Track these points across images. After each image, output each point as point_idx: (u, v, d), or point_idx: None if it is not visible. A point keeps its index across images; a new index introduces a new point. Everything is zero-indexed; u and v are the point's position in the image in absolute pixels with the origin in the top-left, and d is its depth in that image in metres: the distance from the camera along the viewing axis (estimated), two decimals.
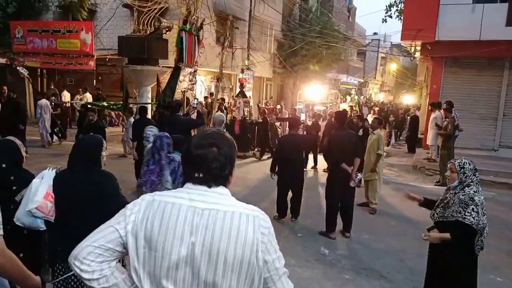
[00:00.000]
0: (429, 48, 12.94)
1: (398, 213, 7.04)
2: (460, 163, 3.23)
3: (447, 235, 3.12)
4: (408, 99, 30.76)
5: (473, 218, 3.04)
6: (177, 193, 1.39)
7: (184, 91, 14.57)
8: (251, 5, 18.97)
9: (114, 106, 12.39)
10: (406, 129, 16.31)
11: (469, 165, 3.23)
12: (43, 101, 11.79)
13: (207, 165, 1.38)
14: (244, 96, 13.23)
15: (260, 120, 13.02)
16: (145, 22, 13.56)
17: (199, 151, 1.38)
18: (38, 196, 2.59)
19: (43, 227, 2.66)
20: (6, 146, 2.94)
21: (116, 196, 2.61)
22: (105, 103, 13.03)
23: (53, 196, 2.61)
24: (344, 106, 18.16)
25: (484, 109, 12.72)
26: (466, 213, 3.05)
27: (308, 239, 5.63)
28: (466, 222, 3.04)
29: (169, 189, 3.48)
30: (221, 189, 1.40)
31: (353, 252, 5.28)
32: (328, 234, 5.72)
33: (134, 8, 14.09)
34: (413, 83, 33.40)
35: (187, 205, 1.34)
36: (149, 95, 13.77)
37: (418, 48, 14.19)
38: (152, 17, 13.60)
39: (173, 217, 1.32)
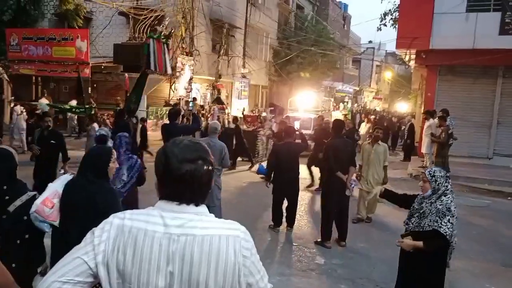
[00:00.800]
0: (424, 56, 13.05)
1: (393, 221, 7.01)
2: (430, 172, 3.28)
3: (420, 243, 3.16)
4: (402, 107, 30.87)
5: (448, 228, 3.08)
6: (149, 217, 1.25)
7: (180, 99, 14.62)
8: (246, 13, 19.09)
9: (77, 110, 12.07)
10: (405, 136, 16.36)
11: (440, 172, 3.27)
12: (17, 107, 11.80)
13: (197, 181, 1.26)
14: (221, 102, 13.08)
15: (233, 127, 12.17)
16: (141, 30, 13.61)
17: (188, 167, 1.25)
18: (38, 200, 2.63)
19: (46, 230, 2.68)
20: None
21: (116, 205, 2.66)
22: (67, 106, 12.63)
23: (52, 201, 2.63)
24: (337, 114, 18.09)
25: (479, 117, 12.79)
26: (442, 223, 3.10)
27: (303, 248, 5.59)
28: (441, 232, 3.08)
29: (124, 181, 3.85)
30: (199, 208, 1.29)
31: (349, 261, 5.24)
32: (324, 243, 5.68)
33: (130, 16, 14.16)
34: (408, 91, 33.63)
35: (162, 231, 1.22)
36: (145, 103, 13.76)
37: (413, 56, 14.29)
38: (147, 25, 13.65)
39: (147, 247, 1.20)
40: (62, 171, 2.74)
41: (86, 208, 2.57)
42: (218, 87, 14.85)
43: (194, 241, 1.22)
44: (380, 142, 6.78)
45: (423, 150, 11.74)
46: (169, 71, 10.05)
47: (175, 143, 1.31)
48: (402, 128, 16.30)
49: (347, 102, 29.77)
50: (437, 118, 10.72)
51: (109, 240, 1.23)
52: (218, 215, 5.44)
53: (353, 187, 5.71)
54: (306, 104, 17.26)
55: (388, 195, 3.90)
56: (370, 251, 5.60)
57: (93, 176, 2.69)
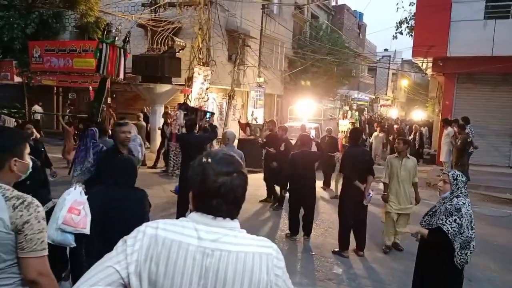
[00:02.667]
0: (441, 64, 12.94)
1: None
2: (454, 175, 3.33)
3: (425, 230, 3.32)
4: (417, 115, 30.32)
5: (451, 227, 3.13)
6: (183, 228, 1.24)
7: (197, 108, 14.78)
8: (262, 24, 19.26)
9: (15, 115, 12.08)
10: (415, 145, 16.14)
11: (462, 177, 3.35)
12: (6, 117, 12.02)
13: (233, 194, 1.26)
14: (188, 107, 12.96)
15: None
16: (159, 42, 13.88)
17: (225, 179, 1.26)
18: (63, 211, 2.64)
19: (73, 244, 2.68)
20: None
21: (147, 213, 2.98)
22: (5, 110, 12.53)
23: (78, 208, 2.68)
24: (345, 122, 17.66)
25: (498, 125, 12.58)
26: (447, 222, 3.16)
27: (321, 258, 5.58)
28: (444, 229, 3.14)
29: (90, 163, 4.53)
30: (233, 223, 1.29)
31: (367, 272, 5.20)
32: (341, 253, 5.65)
33: (148, 28, 14.44)
34: (425, 99, 33.21)
35: (196, 245, 1.21)
36: (161, 113, 13.94)
37: (430, 64, 14.18)
38: (165, 36, 13.91)
39: (180, 259, 1.20)
40: (76, 186, 2.79)
41: (134, 213, 2.82)
42: (184, 92, 14.36)
43: (228, 257, 1.21)
44: (409, 155, 5.90)
45: (442, 158, 11.58)
46: (121, 76, 10.24)
47: (212, 155, 1.31)
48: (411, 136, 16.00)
49: (355, 110, 29.34)
50: (455, 126, 10.59)
51: (142, 250, 1.21)
52: None
53: (370, 196, 5.68)
54: (308, 112, 16.47)
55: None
56: (389, 262, 5.54)
57: (128, 184, 2.97)
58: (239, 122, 14.89)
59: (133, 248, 1.22)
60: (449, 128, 11.07)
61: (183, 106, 12.76)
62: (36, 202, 1.72)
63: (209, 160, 1.30)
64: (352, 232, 5.75)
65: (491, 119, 12.58)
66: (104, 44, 9.58)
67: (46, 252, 1.69)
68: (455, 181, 3.27)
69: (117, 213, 2.81)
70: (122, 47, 10.03)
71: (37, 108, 16.46)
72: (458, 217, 3.13)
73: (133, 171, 3.04)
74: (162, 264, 1.20)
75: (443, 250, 3.20)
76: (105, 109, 11.76)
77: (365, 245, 5.76)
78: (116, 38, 9.73)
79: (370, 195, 5.66)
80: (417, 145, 14.94)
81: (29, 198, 1.71)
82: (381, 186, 6.86)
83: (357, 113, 26.57)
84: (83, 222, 2.66)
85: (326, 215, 7.65)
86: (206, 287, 1.20)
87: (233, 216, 1.29)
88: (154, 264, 1.20)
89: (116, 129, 4.10)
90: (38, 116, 14.70)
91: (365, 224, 5.79)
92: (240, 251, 1.23)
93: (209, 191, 1.26)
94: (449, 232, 3.11)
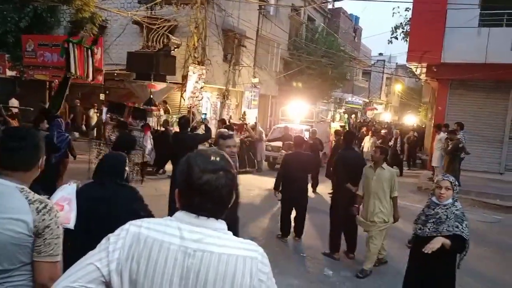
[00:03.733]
0: (435, 70, 13.03)
1: (403, 235, 6.95)
2: (453, 181, 3.36)
3: (447, 241, 3.12)
4: (409, 120, 30.36)
5: (467, 233, 3.19)
6: (167, 227, 1.22)
7: (190, 107, 14.74)
8: (258, 24, 19.28)
9: None
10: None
11: (455, 181, 3.41)
12: None
13: (218, 192, 1.23)
14: (152, 104, 12.91)
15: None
16: (154, 39, 13.81)
17: (209, 177, 1.23)
18: None
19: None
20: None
21: (144, 209, 2.86)
22: None
23: (61, 204, 2.67)
24: (336, 125, 17.62)
25: (490, 132, 12.70)
26: (463, 228, 3.19)
27: (311, 260, 5.57)
28: (464, 236, 3.17)
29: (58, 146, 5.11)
30: (218, 223, 1.26)
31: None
32: (332, 255, 5.66)
33: (144, 25, 14.38)
34: (418, 104, 33.46)
35: (178, 244, 1.19)
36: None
37: (424, 69, 14.28)
38: (161, 34, 13.84)
39: (161, 259, 1.18)
40: (71, 182, 2.83)
41: (121, 210, 2.73)
42: (150, 87, 14.29)
43: (210, 258, 1.18)
44: (385, 165, 5.20)
45: (434, 163, 11.67)
46: (90, 76, 10.25)
47: (199, 153, 1.29)
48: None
49: (343, 113, 29.27)
50: (447, 132, 10.67)
51: (124, 248, 1.20)
52: (236, 228, 5.49)
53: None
54: (300, 114, 16.41)
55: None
56: (380, 264, 5.54)
57: (114, 180, 2.86)
58: (229, 122, 14.70)
59: (115, 246, 1.21)
60: (442, 133, 11.16)
61: (107, 103, 12.70)
62: (56, 207, 1.74)
63: (196, 157, 1.28)
64: (343, 234, 5.75)
65: (483, 125, 12.69)
66: (70, 44, 9.58)
67: (60, 258, 1.69)
68: (455, 187, 3.33)
69: (103, 211, 2.74)
70: (90, 47, 10.04)
71: (13, 101, 16.34)
72: (467, 222, 3.23)
73: (122, 167, 2.94)
74: (143, 263, 1.18)
75: (452, 255, 3.26)
76: (78, 104, 11.89)
77: (356, 248, 5.76)
78: (83, 40, 9.73)
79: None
80: (399, 151, 14.13)
81: (49, 202, 1.73)
82: None
83: (346, 116, 26.48)
84: (67, 217, 2.67)
85: (318, 217, 7.65)
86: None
87: (217, 216, 1.26)
88: (135, 262, 1.18)
89: (220, 142, 3.58)
90: (17, 110, 14.61)
91: (357, 226, 5.79)
92: (223, 253, 1.19)
93: (193, 188, 1.23)
94: (468, 237, 3.20)
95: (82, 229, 2.68)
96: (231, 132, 3.60)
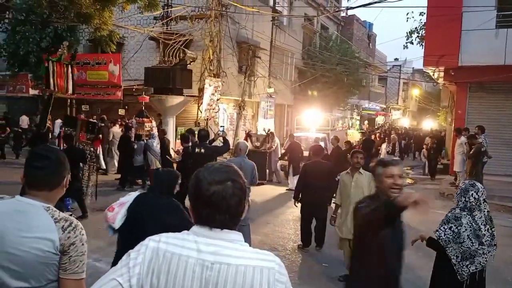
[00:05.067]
0: (452, 73, 12.86)
1: (414, 230, 6.84)
2: (465, 186, 3.29)
3: (421, 237, 3.45)
4: (427, 124, 29.76)
5: (445, 234, 3.12)
6: (184, 241, 1.25)
7: (207, 119, 14.90)
8: (272, 35, 19.43)
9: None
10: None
11: (475, 192, 3.19)
12: None
13: (225, 203, 1.24)
14: (144, 116, 13.01)
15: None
16: (170, 54, 14.06)
17: (216, 188, 1.24)
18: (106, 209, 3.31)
19: (111, 234, 3.29)
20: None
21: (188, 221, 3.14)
22: None
23: (113, 206, 3.25)
24: (353, 132, 17.50)
25: (510, 134, 12.41)
26: (441, 228, 3.16)
27: (333, 269, 5.52)
28: (435, 234, 3.17)
29: None
30: (233, 235, 1.27)
31: None
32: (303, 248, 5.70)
33: (160, 41, 14.67)
34: (436, 108, 32.95)
35: (195, 257, 1.21)
36: (172, 125, 14.05)
37: (441, 73, 14.11)
38: (177, 49, 14.09)
39: (180, 272, 1.20)
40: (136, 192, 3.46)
41: (154, 219, 3.03)
42: (141, 100, 14.48)
43: (228, 270, 1.20)
44: (362, 170, 4.96)
45: (456, 168, 11.46)
46: (70, 90, 10.79)
47: (207, 167, 1.33)
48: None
49: (355, 120, 28.75)
50: (466, 136, 10.49)
51: (144, 263, 1.23)
52: (247, 234, 5.51)
53: None
54: (315, 122, 16.25)
55: (432, 244, 3.37)
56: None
57: (164, 193, 3.27)
58: (246, 133, 14.86)
59: (135, 261, 1.24)
60: (462, 138, 10.97)
61: (138, 115, 13.00)
62: (80, 224, 1.76)
63: (204, 170, 1.31)
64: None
65: (504, 128, 12.43)
66: (50, 62, 10.21)
67: (84, 275, 1.71)
68: (462, 192, 3.24)
69: (153, 218, 3.07)
70: (69, 63, 10.59)
71: (24, 118, 17.99)
72: (456, 226, 3.09)
73: (172, 182, 3.33)
74: (163, 277, 1.21)
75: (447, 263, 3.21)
76: (80, 118, 12.42)
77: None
78: (62, 57, 10.28)
79: None
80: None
81: (74, 220, 1.75)
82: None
83: (358, 123, 25.98)
84: (113, 218, 3.20)
85: None
86: None
87: (230, 227, 1.27)
88: (155, 277, 1.21)
89: (379, 171, 2.50)
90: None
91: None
92: (240, 264, 1.21)
93: (202, 200, 1.26)
94: (441, 237, 3.13)
95: (132, 231, 3.04)
96: (395, 158, 2.68)
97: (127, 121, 14.32)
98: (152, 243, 1.27)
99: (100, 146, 9.61)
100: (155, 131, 12.62)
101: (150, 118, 14.43)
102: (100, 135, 11.87)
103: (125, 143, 10.77)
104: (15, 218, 1.66)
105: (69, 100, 18.20)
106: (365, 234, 2.38)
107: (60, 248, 1.65)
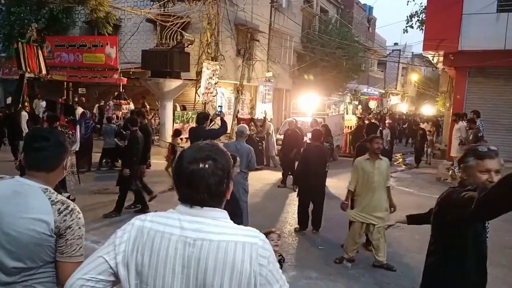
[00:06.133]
0: (452, 58, 12.77)
1: (422, 226, 6.89)
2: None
3: (403, 219, 3.38)
4: (426, 110, 29.44)
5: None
6: (168, 219, 1.27)
7: (205, 103, 14.82)
8: (271, 18, 19.19)
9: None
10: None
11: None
12: None
13: (204, 182, 1.24)
14: (122, 98, 12.88)
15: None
16: (168, 36, 13.89)
17: (194, 166, 1.25)
18: None
19: None
20: None
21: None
22: None
23: None
24: (350, 117, 17.24)
25: (510, 120, 12.40)
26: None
27: (330, 252, 5.57)
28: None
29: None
30: (216, 212, 1.28)
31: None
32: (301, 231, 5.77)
33: (157, 23, 14.48)
34: (435, 93, 32.87)
35: (178, 234, 1.23)
36: (170, 108, 13.98)
37: (441, 58, 14.01)
38: (174, 31, 13.91)
39: (163, 249, 1.22)
40: None
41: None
42: (118, 81, 14.30)
43: (210, 246, 1.21)
44: (381, 156, 5.03)
45: (453, 153, 11.47)
46: (44, 71, 10.95)
47: (192, 146, 1.35)
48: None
49: (348, 103, 28.15)
50: (466, 121, 10.48)
51: (129, 241, 1.26)
52: (245, 218, 5.53)
53: None
54: (312, 106, 15.75)
55: (415, 219, 3.34)
56: (399, 257, 5.52)
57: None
58: (237, 117, 14.65)
59: (121, 239, 1.28)
60: (460, 123, 10.96)
61: (117, 97, 12.99)
62: (77, 208, 1.75)
63: (188, 149, 1.34)
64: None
65: (502, 113, 12.40)
66: (20, 43, 10.35)
67: (82, 259, 1.71)
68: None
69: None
70: (39, 44, 10.72)
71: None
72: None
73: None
74: (147, 254, 1.23)
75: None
76: (59, 101, 12.64)
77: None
78: (31, 38, 10.39)
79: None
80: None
81: (71, 204, 1.74)
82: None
83: (351, 106, 25.51)
84: None
85: (335, 209, 7.64)
86: (189, 276, 1.21)
87: (212, 205, 1.27)
88: (140, 254, 1.24)
89: (472, 163, 2.13)
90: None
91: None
92: (222, 240, 1.21)
93: (182, 179, 1.27)
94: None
95: None
96: (493, 148, 2.19)
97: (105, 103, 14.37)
98: (138, 222, 1.29)
99: (76, 129, 9.51)
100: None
101: (128, 100, 14.48)
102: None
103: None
104: (13, 200, 1.66)
105: (65, 82, 18.04)
106: (460, 223, 2.06)
107: (56, 230, 1.65)
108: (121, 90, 14.17)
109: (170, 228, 1.24)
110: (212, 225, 1.24)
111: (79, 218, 1.73)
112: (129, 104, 14.09)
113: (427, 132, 14.49)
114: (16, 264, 1.65)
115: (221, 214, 1.29)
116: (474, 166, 2.09)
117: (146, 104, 15.92)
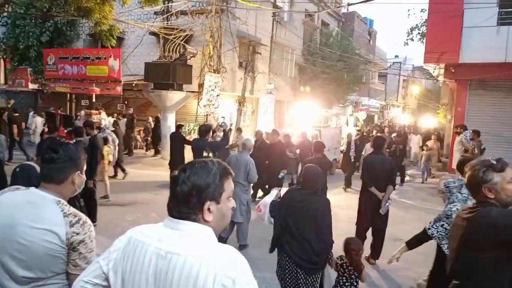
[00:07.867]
0: (453, 70, 12.86)
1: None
2: (446, 183, 3.50)
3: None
4: (426, 122, 28.89)
5: (437, 232, 3.25)
6: (152, 231, 1.33)
7: (207, 115, 14.88)
8: (272, 31, 19.38)
9: None
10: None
11: (454, 183, 3.46)
12: None
13: (180, 189, 1.31)
14: (94, 108, 13.05)
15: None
16: (171, 49, 14.03)
17: (175, 176, 1.35)
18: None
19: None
20: None
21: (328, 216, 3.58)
22: None
23: (261, 208, 4.01)
24: (350, 129, 16.99)
25: (511, 132, 12.42)
26: (433, 226, 3.29)
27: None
28: (428, 232, 3.29)
29: None
30: (193, 227, 1.29)
31: (380, 280, 5.16)
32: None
33: (160, 36, 14.62)
34: (436, 105, 32.94)
35: (154, 246, 1.28)
36: (173, 120, 14.03)
37: (442, 70, 14.09)
38: (177, 44, 14.05)
39: (140, 259, 1.29)
40: (273, 190, 4.28)
41: (315, 213, 3.45)
42: (91, 92, 14.66)
43: (177, 260, 1.23)
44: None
45: (455, 165, 11.45)
46: (2, 81, 11.42)
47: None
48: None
49: (349, 115, 28.01)
50: (470, 132, 10.42)
51: (120, 249, 1.35)
52: (243, 233, 5.53)
53: (387, 205, 5.56)
54: (308, 118, 15.13)
55: (413, 244, 3.44)
56: (402, 270, 5.46)
57: (313, 190, 3.58)
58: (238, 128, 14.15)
59: (115, 247, 1.37)
60: (461, 135, 10.96)
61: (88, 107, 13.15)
62: (89, 221, 1.77)
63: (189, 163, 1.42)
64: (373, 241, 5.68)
65: (503, 126, 12.41)
66: None
67: None
68: (448, 189, 3.44)
69: (298, 211, 3.43)
70: (2, 56, 11.17)
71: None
72: (447, 223, 3.19)
73: (317, 179, 3.63)
74: (129, 262, 1.31)
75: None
76: (58, 114, 12.75)
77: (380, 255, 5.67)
78: None
79: (387, 204, 5.54)
80: (352, 157, 11.85)
81: (83, 216, 1.76)
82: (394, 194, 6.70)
83: (352, 119, 25.31)
84: (262, 218, 4.02)
85: (341, 223, 7.60)
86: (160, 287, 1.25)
87: (190, 218, 1.29)
88: (125, 262, 1.32)
89: (496, 179, 2.06)
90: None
91: (384, 233, 5.65)
92: (190, 256, 1.23)
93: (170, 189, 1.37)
94: (434, 235, 3.26)
95: (284, 223, 3.49)
96: (495, 160, 2.13)
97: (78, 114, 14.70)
98: (130, 232, 1.38)
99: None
100: (104, 123, 12.88)
101: (99, 110, 14.67)
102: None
103: None
104: (26, 209, 1.69)
105: (68, 94, 18.16)
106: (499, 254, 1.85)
107: (67, 242, 1.67)
108: (93, 100, 14.45)
109: (149, 239, 1.31)
110: (186, 240, 1.27)
111: (91, 231, 1.75)
112: (100, 114, 14.31)
113: (429, 149, 13.27)
114: (26, 274, 1.66)
115: (198, 230, 1.29)
116: (500, 181, 2.01)
117: (134, 115, 15.94)
